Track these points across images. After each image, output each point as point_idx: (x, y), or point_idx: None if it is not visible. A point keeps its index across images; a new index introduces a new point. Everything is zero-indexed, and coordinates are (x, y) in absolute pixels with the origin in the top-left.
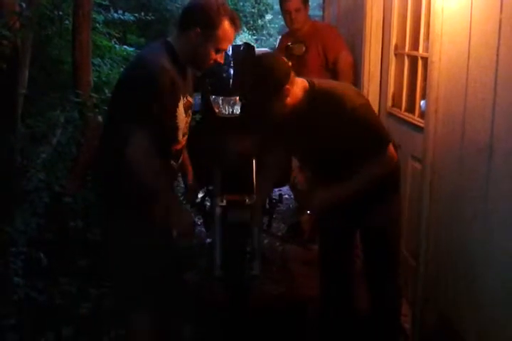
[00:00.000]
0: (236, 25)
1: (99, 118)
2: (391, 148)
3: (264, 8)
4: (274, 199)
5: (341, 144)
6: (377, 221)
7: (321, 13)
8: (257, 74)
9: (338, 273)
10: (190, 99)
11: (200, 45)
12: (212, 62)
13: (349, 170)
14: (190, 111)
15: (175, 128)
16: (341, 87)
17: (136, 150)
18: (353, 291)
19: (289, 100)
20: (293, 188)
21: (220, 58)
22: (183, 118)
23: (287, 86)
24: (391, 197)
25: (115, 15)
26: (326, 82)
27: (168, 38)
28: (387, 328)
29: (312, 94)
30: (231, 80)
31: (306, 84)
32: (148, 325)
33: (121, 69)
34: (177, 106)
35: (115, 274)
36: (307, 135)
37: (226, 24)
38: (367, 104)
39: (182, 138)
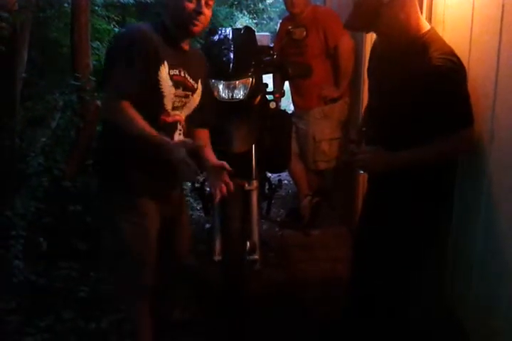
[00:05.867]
0: None
1: (98, 102)
2: (471, 132)
3: None
4: (274, 184)
5: (415, 105)
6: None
7: None
8: None
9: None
10: (189, 78)
11: (173, 2)
12: (193, 14)
13: (413, 140)
14: (189, 92)
15: (158, 93)
16: (454, 56)
17: (110, 105)
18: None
19: (395, 21)
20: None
21: (197, 7)
22: (168, 87)
23: None
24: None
25: None
26: (445, 44)
27: None
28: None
29: (420, 38)
30: (231, 64)
31: (427, 26)
32: (143, 310)
33: None
34: (158, 69)
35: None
36: (387, 79)
37: None
38: (464, 81)
39: (172, 111)
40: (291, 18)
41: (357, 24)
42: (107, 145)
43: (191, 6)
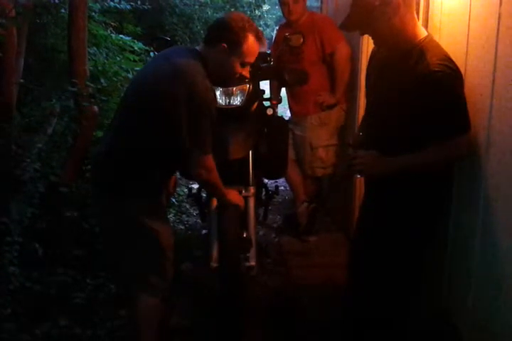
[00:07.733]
0: (261, 41)
1: (95, 108)
2: (468, 138)
3: None
4: (270, 190)
5: (412, 110)
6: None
7: (318, 4)
8: None
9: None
10: None
11: (226, 60)
12: (237, 75)
13: (410, 146)
14: None
15: None
16: (452, 62)
17: (209, 171)
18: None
19: (388, 25)
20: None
21: (245, 72)
22: None
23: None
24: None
25: (111, 3)
26: (442, 50)
27: (197, 47)
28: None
29: (418, 44)
30: None
31: (424, 33)
32: (157, 303)
33: (118, 59)
34: None
35: (127, 255)
36: (384, 84)
37: (251, 40)
38: (461, 87)
39: None
40: (288, 24)
41: (351, 25)
42: (143, 169)
43: (241, 70)
